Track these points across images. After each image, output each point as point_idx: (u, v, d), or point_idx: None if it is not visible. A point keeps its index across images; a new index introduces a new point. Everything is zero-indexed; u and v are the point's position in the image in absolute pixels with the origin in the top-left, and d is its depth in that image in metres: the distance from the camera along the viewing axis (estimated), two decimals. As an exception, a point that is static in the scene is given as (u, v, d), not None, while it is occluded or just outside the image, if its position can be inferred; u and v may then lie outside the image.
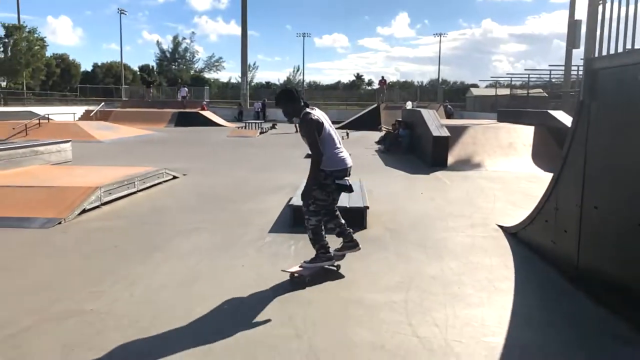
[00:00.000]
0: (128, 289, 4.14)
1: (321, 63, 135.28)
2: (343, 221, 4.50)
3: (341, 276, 4.52)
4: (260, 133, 23.52)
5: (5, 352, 3.10)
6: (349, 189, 4.30)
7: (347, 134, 21.23)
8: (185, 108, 32.99)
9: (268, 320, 3.58)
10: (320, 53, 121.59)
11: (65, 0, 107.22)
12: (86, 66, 75.18)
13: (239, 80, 51.54)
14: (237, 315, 3.69)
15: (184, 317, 3.60)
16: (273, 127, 26.94)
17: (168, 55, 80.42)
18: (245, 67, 45.81)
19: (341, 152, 4.30)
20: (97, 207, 6.99)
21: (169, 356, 3.07)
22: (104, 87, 54.63)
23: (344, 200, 6.42)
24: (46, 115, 20.99)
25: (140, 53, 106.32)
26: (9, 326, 3.43)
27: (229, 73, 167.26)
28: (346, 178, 4.29)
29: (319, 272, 4.38)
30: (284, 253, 5.19)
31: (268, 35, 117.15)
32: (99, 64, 77.18)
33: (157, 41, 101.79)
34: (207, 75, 79.51)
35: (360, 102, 48.23)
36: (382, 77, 37.14)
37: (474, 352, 3.18)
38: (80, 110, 31.96)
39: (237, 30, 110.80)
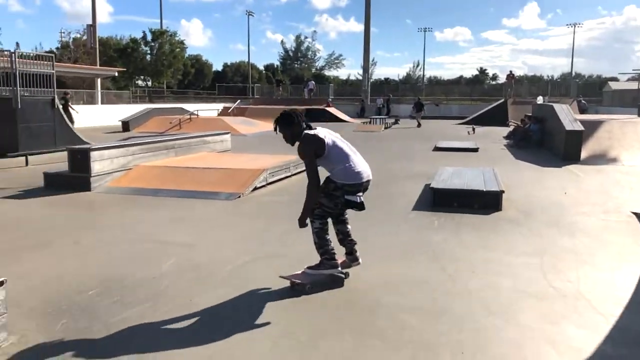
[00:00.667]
0: (305, 245, 5.30)
1: (442, 57, 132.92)
2: (349, 228, 4.20)
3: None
4: (385, 128, 24.47)
5: (233, 278, 4.34)
6: (358, 206, 3.94)
7: (473, 129, 21.42)
8: (312, 104, 34.90)
9: (430, 267, 4.52)
10: (441, 47, 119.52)
11: (197, 5, 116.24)
12: (217, 66, 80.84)
13: (358, 77, 52.92)
14: (398, 260, 4.67)
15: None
16: (396, 122, 27.74)
17: (291, 54, 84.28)
18: (367, 64, 46.99)
19: (356, 165, 3.93)
20: (264, 185, 8.40)
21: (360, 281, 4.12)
22: (238, 86, 58.57)
23: (480, 184, 7.17)
24: (195, 112, 23.71)
25: (264, 52, 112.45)
26: (233, 262, 4.71)
27: (348, 70, 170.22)
28: (359, 194, 3.94)
29: (324, 280, 4.05)
30: (427, 226, 6.08)
31: (387, 31, 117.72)
32: (229, 63, 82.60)
33: (282, 41, 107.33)
34: (327, 72, 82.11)
35: (484, 97, 47.18)
36: (510, 72, 36.21)
37: (605, 299, 3.84)
38: (216, 106, 35.17)
39: (356, 28, 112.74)
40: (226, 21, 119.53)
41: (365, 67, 46.88)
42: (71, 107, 19.40)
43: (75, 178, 8.17)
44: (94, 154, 8.17)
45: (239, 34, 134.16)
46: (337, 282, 4.08)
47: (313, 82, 41.71)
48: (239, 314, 3.57)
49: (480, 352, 3.06)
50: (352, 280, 4.19)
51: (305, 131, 3.93)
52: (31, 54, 14.48)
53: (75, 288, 3.98)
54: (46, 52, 30.97)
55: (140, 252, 4.99)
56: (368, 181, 4.00)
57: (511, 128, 20.04)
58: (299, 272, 4.07)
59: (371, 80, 59.86)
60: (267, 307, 3.68)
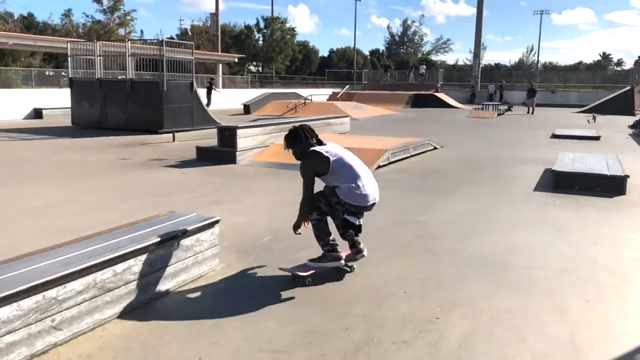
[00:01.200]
0: (438, 214, 5.95)
1: (558, 42, 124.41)
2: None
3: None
4: (498, 114, 24.13)
5: (378, 239, 5.09)
6: (356, 229, 3.79)
7: (594, 118, 20.56)
8: (420, 89, 34.95)
9: (553, 238, 5.00)
10: (557, 31, 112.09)
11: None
12: (323, 52, 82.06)
13: (467, 62, 51.66)
14: (522, 231, 5.18)
15: (477, 233, 5.23)
16: (509, 109, 27.14)
17: (397, 39, 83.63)
18: (478, 48, 45.84)
19: (364, 186, 3.71)
20: (386, 164, 9.11)
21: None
22: (345, 71, 59.47)
23: (603, 168, 7.35)
24: (310, 96, 24.94)
25: (369, 37, 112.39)
26: (378, 223, 5.47)
27: (456, 55, 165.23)
28: (360, 217, 3.81)
29: (330, 271, 3.93)
30: (548, 204, 6.46)
31: (498, 14, 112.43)
32: (334, 49, 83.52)
33: (388, 25, 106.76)
34: (434, 57, 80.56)
35: (606, 84, 44.14)
36: (639, 57, 33.66)
37: None
38: (325, 91, 36.35)
39: (465, 11, 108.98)
40: (331, 6, 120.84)
41: (476, 52, 45.76)
42: (215, 89, 21.47)
43: (223, 152, 9.40)
44: (239, 132, 9.35)
45: (344, 18, 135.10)
46: (341, 274, 3.95)
47: (424, 66, 41.60)
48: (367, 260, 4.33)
49: (604, 302, 3.56)
50: (482, 243, 4.79)
51: (312, 148, 3.78)
52: (175, 42, 16.27)
53: (252, 235, 4.97)
54: (168, 38, 34.30)
55: (292, 212, 5.92)
56: (373, 204, 3.80)
57: (638, 117, 19.01)
58: (301, 263, 3.94)
59: (481, 65, 58.15)
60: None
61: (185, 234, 3.69)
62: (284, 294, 3.63)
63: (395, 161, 9.47)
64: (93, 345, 2.87)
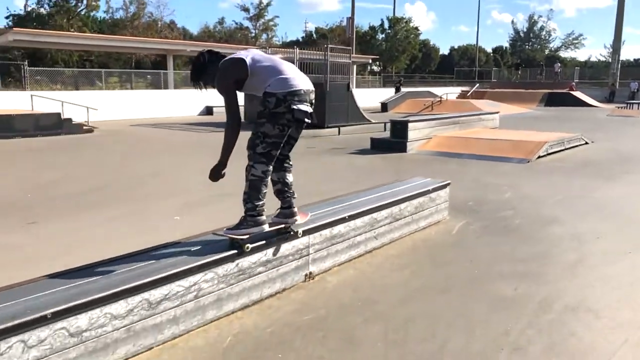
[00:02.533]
0: (608, 192, 7.03)
1: None
2: (291, 179, 3.56)
3: None
4: (644, 113, 23.47)
5: (558, 205, 6.34)
6: (311, 116, 3.25)
7: None
8: (554, 88, 34.30)
9: None
10: None
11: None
12: (443, 49, 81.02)
13: (600, 58, 48.92)
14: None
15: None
16: (655, 107, 26.06)
17: (522, 35, 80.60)
18: (618, 44, 43.35)
19: (295, 74, 3.22)
20: (545, 155, 10.17)
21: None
22: (469, 70, 58.78)
23: None
24: (445, 94, 26.02)
25: (489, 34, 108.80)
26: (553, 197, 6.72)
27: (588, 51, 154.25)
28: (306, 104, 3.20)
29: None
30: None
31: (638, 5, 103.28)
32: (455, 47, 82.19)
33: (512, 21, 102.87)
34: (562, 54, 76.61)
35: None
36: None
37: None
38: (453, 90, 36.91)
39: (598, 2, 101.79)
40: (449, 3, 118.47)
41: (616, 47, 43.34)
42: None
43: (395, 142, 11.04)
44: (410, 125, 10.93)
45: (461, 15, 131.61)
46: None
47: (559, 64, 40.52)
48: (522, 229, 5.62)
49: None
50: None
51: (224, 57, 3.26)
52: (335, 47, 18.30)
53: (459, 200, 6.47)
54: (293, 41, 37.24)
55: (482, 186, 7.35)
56: (313, 91, 3.27)
57: None
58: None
59: (620, 61, 54.65)
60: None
61: (437, 189, 5.31)
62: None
63: (552, 153, 10.48)
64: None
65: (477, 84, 37.52)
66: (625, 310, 3.38)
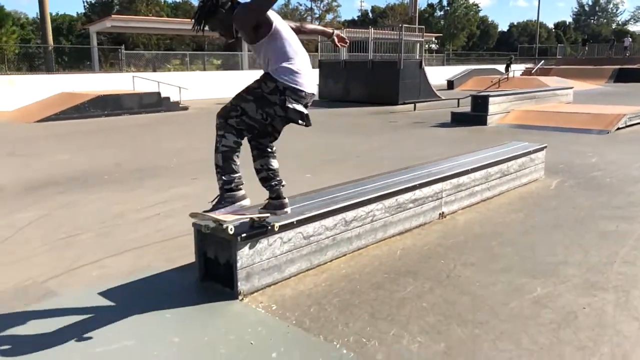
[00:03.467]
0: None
1: None
2: (276, 165, 3.14)
3: None
4: None
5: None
6: (306, 118, 2.95)
7: None
8: (626, 63, 33.39)
9: None
10: None
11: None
12: (502, 26, 78.80)
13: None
14: None
15: None
16: None
17: (587, 9, 77.50)
18: (694, 17, 41.42)
19: (306, 67, 2.93)
20: (624, 127, 10.63)
21: None
22: (528, 46, 57.39)
23: None
24: (512, 71, 26.10)
25: (550, 8, 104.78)
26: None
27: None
28: (303, 105, 2.95)
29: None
30: None
31: None
32: (515, 23, 79.84)
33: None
34: (631, 28, 73.23)
35: None
36: None
37: None
38: (517, 67, 36.45)
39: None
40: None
41: (692, 21, 41.40)
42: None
43: (475, 116, 11.74)
44: (490, 100, 11.60)
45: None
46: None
47: (630, 38, 39.24)
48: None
49: None
50: None
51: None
52: (409, 27, 18.96)
53: (546, 163, 7.19)
54: (348, 21, 37.57)
55: (569, 153, 8.03)
56: (314, 96, 3.04)
57: None
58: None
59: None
60: None
61: (537, 151, 6.13)
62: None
63: (631, 125, 10.92)
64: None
65: (542, 61, 36.91)
66: None
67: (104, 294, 3.29)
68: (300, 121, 2.93)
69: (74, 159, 8.02)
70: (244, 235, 3.16)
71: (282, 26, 2.86)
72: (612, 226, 4.56)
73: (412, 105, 15.72)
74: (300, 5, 49.88)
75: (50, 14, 34.55)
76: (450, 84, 25.72)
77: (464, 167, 5.11)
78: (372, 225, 4.11)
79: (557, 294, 3.25)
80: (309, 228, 3.60)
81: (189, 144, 9.63)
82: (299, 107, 2.87)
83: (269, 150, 3.11)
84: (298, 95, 2.87)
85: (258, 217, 3.17)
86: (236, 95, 2.96)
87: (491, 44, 72.89)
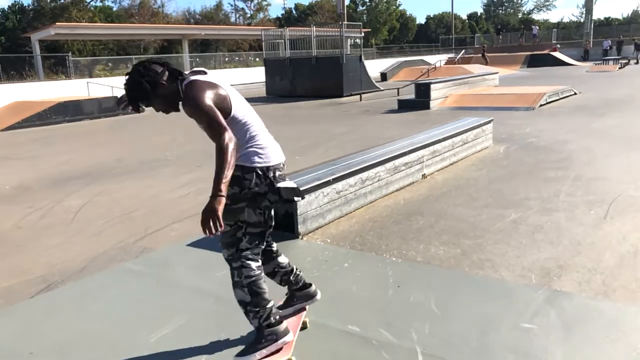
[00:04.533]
0: (602, 124, 9.31)
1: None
2: (286, 260, 2.76)
3: None
4: (619, 68, 25.94)
5: (579, 132, 8.59)
6: (300, 194, 2.61)
7: None
8: (534, 50, 36.65)
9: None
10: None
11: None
12: (420, 19, 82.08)
13: (572, 18, 51.20)
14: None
15: (636, 131, 8.58)
16: (628, 62, 28.60)
17: (495, 0, 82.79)
18: (590, 4, 45.79)
19: (268, 140, 2.47)
20: (545, 104, 12.43)
21: None
22: (446, 37, 60.39)
23: None
24: (439, 62, 28.17)
25: (465, 1, 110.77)
26: (570, 127, 8.97)
27: (560, 12, 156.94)
28: (287, 179, 2.50)
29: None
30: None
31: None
32: (431, 15, 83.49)
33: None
34: (535, 16, 78.99)
35: None
36: None
37: None
38: (440, 57, 39.01)
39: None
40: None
41: (588, 7, 45.72)
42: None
43: (419, 102, 13.19)
44: (432, 86, 13.08)
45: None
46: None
47: (537, 27, 42.86)
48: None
49: None
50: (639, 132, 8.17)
51: (192, 77, 2.33)
52: (350, 24, 20.25)
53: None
54: (274, 19, 38.96)
55: (506, 126, 9.54)
56: (286, 163, 2.54)
57: None
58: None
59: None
60: (596, 139, 7.93)
61: (486, 123, 7.50)
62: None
63: (550, 102, 12.75)
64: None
65: (463, 51, 39.66)
66: (625, 175, 5.65)
67: (191, 244, 4.20)
68: (295, 198, 2.51)
69: (75, 158, 8.58)
70: (302, 189, 4.19)
71: (238, 105, 2.36)
72: (552, 174, 5.95)
73: (358, 96, 17.03)
74: (232, 6, 50.44)
75: None
76: (384, 76, 27.36)
77: (436, 138, 6.35)
78: (379, 183, 5.24)
79: (527, 217, 4.53)
80: (339, 185, 4.67)
81: (173, 138, 10.31)
82: (288, 184, 2.44)
83: (273, 250, 2.69)
84: (279, 169, 2.42)
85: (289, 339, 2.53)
86: (226, 215, 2.23)
87: (411, 36, 75.87)
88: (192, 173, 7.00)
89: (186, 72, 2.39)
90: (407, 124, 10.77)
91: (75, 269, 3.88)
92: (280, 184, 2.40)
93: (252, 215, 2.38)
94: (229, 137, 2.13)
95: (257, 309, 2.41)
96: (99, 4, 32.10)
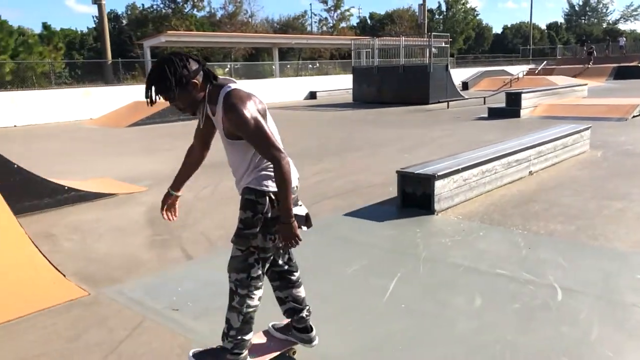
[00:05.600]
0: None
1: None
2: (303, 294, 2.59)
3: None
4: None
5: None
6: (308, 222, 2.36)
7: None
8: (622, 61, 35.64)
9: None
10: None
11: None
12: (496, 28, 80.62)
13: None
14: None
15: None
16: None
17: (577, 9, 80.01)
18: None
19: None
20: (637, 116, 12.70)
21: None
22: (542, 48, 59.09)
23: None
24: (522, 72, 28.27)
25: (540, 9, 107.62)
26: (655, 139, 9.39)
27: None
28: (299, 205, 2.41)
29: None
30: None
31: None
32: (508, 25, 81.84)
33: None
34: (622, 26, 75.77)
35: None
36: None
37: None
38: (520, 68, 38.69)
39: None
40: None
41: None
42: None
43: (509, 110, 13.79)
44: (522, 95, 13.66)
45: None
46: None
47: (624, 38, 41.59)
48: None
49: None
50: None
51: (229, 86, 2.21)
52: (436, 34, 21.05)
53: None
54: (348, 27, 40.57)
55: (600, 135, 10.05)
56: (297, 187, 2.44)
57: None
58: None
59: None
60: None
61: (584, 130, 8.16)
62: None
63: (642, 113, 13.00)
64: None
65: (545, 62, 39.16)
66: None
67: (347, 214, 5.28)
68: (304, 227, 2.32)
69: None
70: (437, 175, 5.16)
71: (267, 121, 2.24)
72: (651, 175, 6.59)
73: (445, 103, 17.77)
74: (315, 15, 52.59)
75: (62, 29, 36.48)
76: (465, 85, 27.80)
77: (541, 140, 7.12)
78: (495, 175, 6.12)
79: (632, 207, 5.27)
80: (465, 174, 5.60)
81: (282, 138, 11.56)
82: (300, 210, 2.33)
83: (293, 276, 2.55)
84: (292, 194, 2.28)
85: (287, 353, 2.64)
86: (237, 239, 2.31)
87: (486, 46, 74.84)
88: (316, 165, 8.12)
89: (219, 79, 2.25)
90: (501, 129, 11.46)
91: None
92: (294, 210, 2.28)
93: (263, 242, 2.31)
94: (284, 157, 2.15)
95: (239, 337, 2.35)
96: (196, 13, 34.60)
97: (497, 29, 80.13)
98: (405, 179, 5.43)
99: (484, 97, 17.89)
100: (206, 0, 33.65)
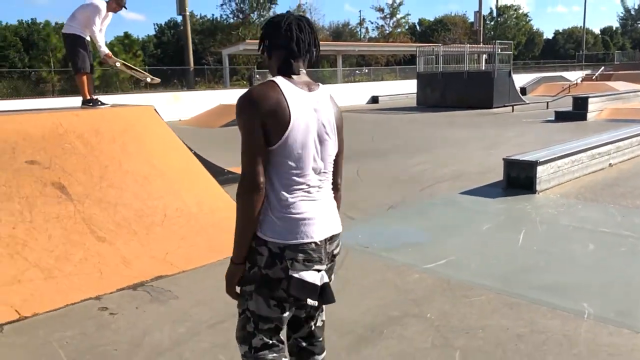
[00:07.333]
0: None
1: None
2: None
3: None
4: None
5: None
6: (324, 297, 1.79)
7: None
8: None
9: None
10: None
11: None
12: (547, 34, 79.45)
13: None
14: None
15: None
16: None
17: (633, 13, 78.14)
18: None
19: (313, 199, 1.79)
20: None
21: None
22: (595, 53, 58.46)
23: None
24: (580, 78, 28.71)
25: (595, 14, 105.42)
26: None
27: None
28: (318, 267, 1.76)
29: None
30: None
31: None
32: (560, 30, 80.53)
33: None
34: (682, 29, 73.48)
35: None
36: None
37: None
38: (576, 74, 38.77)
39: None
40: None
41: None
42: None
43: (576, 113, 14.65)
44: (589, 100, 14.52)
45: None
46: None
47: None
48: None
49: None
50: None
51: (268, 79, 1.77)
52: (500, 42, 21.99)
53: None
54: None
55: None
56: (332, 238, 1.84)
57: None
58: None
59: None
60: None
61: (658, 128, 9.13)
62: None
63: None
64: None
65: (602, 67, 39.11)
66: None
67: (462, 194, 6.53)
68: (309, 300, 1.74)
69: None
70: (539, 161, 6.35)
71: (307, 125, 1.74)
72: None
73: (509, 107, 18.71)
74: (372, 22, 54.26)
75: (134, 36, 38.99)
76: (523, 90, 28.43)
77: (619, 137, 8.16)
78: (581, 165, 7.24)
79: None
80: (559, 162, 6.76)
81: (372, 138, 12.86)
82: (310, 275, 1.73)
83: (313, 347, 2.00)
84: (305, 253, 1.73)
85: None
86: (238, 296, 1.86)
87: (537, 51, 74.03)
88: (412, 159, 9.36)
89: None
90: (571, 130, 12.42)
91: (397, 202, 6.34)
92: (297, 273, 1.71)
93: (262, 306, 1.77)
94: (249, 188, 1.69)
95: None
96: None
97: (547, 34, 79.12)
98: (511, 164, 6.64)
99: (547, 102, 18.70)
100: (272, 10, 35.01)
